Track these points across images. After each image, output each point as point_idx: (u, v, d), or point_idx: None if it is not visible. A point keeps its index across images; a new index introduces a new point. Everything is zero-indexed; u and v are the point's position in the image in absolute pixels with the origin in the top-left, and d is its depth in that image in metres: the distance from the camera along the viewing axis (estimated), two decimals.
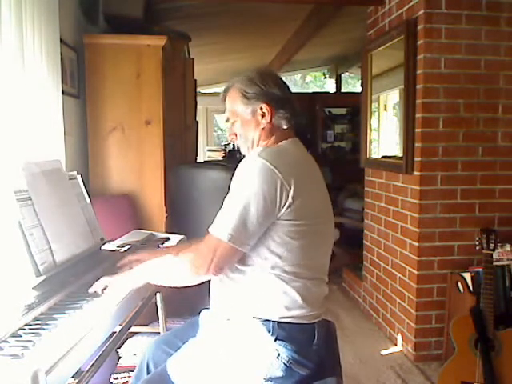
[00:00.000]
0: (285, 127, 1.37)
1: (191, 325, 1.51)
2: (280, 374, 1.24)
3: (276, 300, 1.26)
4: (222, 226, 1.22)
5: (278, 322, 1.25)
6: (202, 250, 1.23)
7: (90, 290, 1.36)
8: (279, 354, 1.24)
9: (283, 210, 1.22)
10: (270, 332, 1.24)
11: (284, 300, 1.25)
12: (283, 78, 1.44)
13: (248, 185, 1.21)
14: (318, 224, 1.29)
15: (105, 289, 1.36)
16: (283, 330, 1.25)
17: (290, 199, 1.21)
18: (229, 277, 1.30)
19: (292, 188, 1.21)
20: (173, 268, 1.32)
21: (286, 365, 1.24)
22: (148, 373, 1.46)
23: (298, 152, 1.37)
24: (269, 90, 1.35)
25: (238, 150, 1.45)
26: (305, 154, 1.39)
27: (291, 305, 1.26)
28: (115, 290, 1.36)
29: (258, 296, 1.27)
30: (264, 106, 1.34)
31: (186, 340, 1.39)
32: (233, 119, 1.40)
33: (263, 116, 1.35)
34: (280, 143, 1.35)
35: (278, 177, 1.20)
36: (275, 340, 1.24)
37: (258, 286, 1.26)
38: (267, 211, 1.20)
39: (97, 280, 1.39)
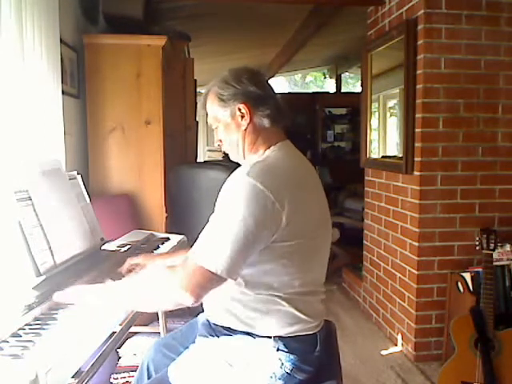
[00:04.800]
0: (268, 126, 1.30)
1: (190, 327, 1.49)
2: (281, 382, 1.23)
3: (276, 319, 1.22)
4: (208, 255, 1.12)
5: (280, 337, 1.23)
6: (182, 276, 1.12)
7: (55, 298, 1.26)
8: (282, 364, 1.22)
9: (278, 233, 1.14)
10: (272, 343, 1.22)
11: (284, 318, 1.22)
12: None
13: (237, 208, 1.12)
14: (314, 238, 1.24)
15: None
16: (285, 341, 1.22)
17: (284, 221, 1.14)
18: (225, 294, 1.24)
19: (286, 209, 1.14)
20: (150, 293, 1.21)
21: (288, 373, 1.22)
22: (149, 376, 1.45)
23: (290, 161, 1.28)
24: (244, 88, 1.28)
25: None
26: (298, 162, 1.32)
27: (292, 321, 1.23)
28: (82, 305, 1.25)
29: (256, 315, 1.22)
30: (241, 105, 1.27)
31: (186, 343, 1.38)
32: (215, 125, 1.34)
33: (243, 117, 1.28)
34: (269, 152, 1.28)
35: (269, 198, 1.12)
36: (277, 350, 1.22)
37: (255, 305, 1.22)
38: (259, 236, 1.12)
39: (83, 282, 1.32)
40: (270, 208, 1.13)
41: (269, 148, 1.30)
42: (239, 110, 1.28)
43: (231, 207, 1.15)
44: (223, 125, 1.32)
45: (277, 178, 1.18)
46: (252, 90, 1.28)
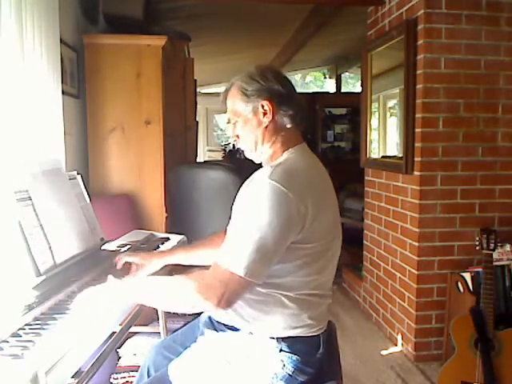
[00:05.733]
0: (289, 126, 1.29)
1: (191, 328, 1.49)
2: (283, 383, 1.23)
3: (282, 320, 1.22)
4: (236, 259, 1.11)
5: (283, 338, 1.22)
6: (212, 282, 1.11)
7: (75, 305, 1.24)
8: (284, 365, 1.22)
9: (300, 235, 1.15)
10: (275, 344, 1.22)
11: (290, 320, 1.22)
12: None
13: (261, 212, 1.12)
14: (328, 242, 1.24)
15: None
16: (288, 343, 1.22)
17: (307, 223, 1.15)
18: None
19: (309, 211, 1.14)
20: (176, 296, 1.20)
21: (290, 375, 1.22)
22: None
23: (309, 164, 1.28)
24: (269, 85, 1.26)
25: (238, 149, 1.39)
26: (315, 165, 1.31)
27: (297, 324, 1.23)
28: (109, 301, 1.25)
29: (262, 315, 1.22)
30: (265, 102, 1.26)
31: (187, 345, 1.37)
32: (234, 119, 1.32)
33: (265, 114, 1.26)
34: (288, 154, 1.27)
35: (293, 201, 1.12)
36: (280, 351, 1.22)
37: (261, 307, 1.22)
38: (285, 239, 1.13)
39: (94, 283, 1.30)
40: (294, 210, 1.13)
41: (287, 150, 1.29)
42: (262, 106, 1.27)
43: (256, 211, 1.13)
44: (243, 120, 1.30)
45: (299, 180, 1.18)
46: (276, 88, 1.27)
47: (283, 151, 1.29)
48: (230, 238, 1.17)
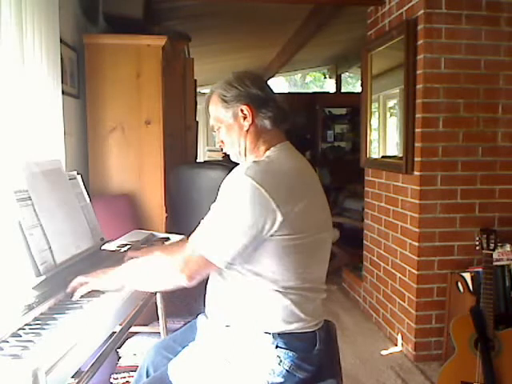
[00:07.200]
0: (269, 128, 1.33)
1: (190, 328, 1.50)
2: (281, 380, 1.23)
3: (275, 315, 1.23)
4: (200, 240, 1.22)
5: (279, 333, 1.23)
6: (177, 259, 1.24)
7: (68, 291, 1.33)
8: (281, 361, 1.22)
9: (274, 229, 1.17)
10: (270, 340, 1.23)
11: (283, 314, 1.23)
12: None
13: (233, 205, 1.18)
14: (314, 235, 1.25)
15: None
16: (284, 339, 1.23)
17: (279, 218, 1.17)
18: (225, 289, 1.28)
19: (282, 206, 1.17)
20: (151, 274, 1.32)
21: (287, 371, 1.23)
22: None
23: (290, 161, 1.31)
24: (248, 90, 1.32)
25: None
26: (298, 162, 1.33)
27: (291, 319, 1.24)
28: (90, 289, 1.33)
29: (256, 310, 1.24)
30: (244, 107, 1.31)
31: (186, 344, 1.38)
32: (217, 126, 1.37)
33: (245, 118, 1.32)
34: (269, 153, 1.31)
35: (263, 196, 1.16)
36: (276, 347, 1.23)
37: (255, 300, 1.24)
38: (252, 233, 1.17)
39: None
40: (264, 206, 1.16)
41: (269, 149, 1.32)
42: (242, 111, 1.32)
43: (228, 203, 1.20)
44: (225, 126, 1.35)
45: (273, 176, 1.21)
46: (254, 93, 1.32)
47: (265, 150, 1.33)
48: (204, 223, 1.27)
